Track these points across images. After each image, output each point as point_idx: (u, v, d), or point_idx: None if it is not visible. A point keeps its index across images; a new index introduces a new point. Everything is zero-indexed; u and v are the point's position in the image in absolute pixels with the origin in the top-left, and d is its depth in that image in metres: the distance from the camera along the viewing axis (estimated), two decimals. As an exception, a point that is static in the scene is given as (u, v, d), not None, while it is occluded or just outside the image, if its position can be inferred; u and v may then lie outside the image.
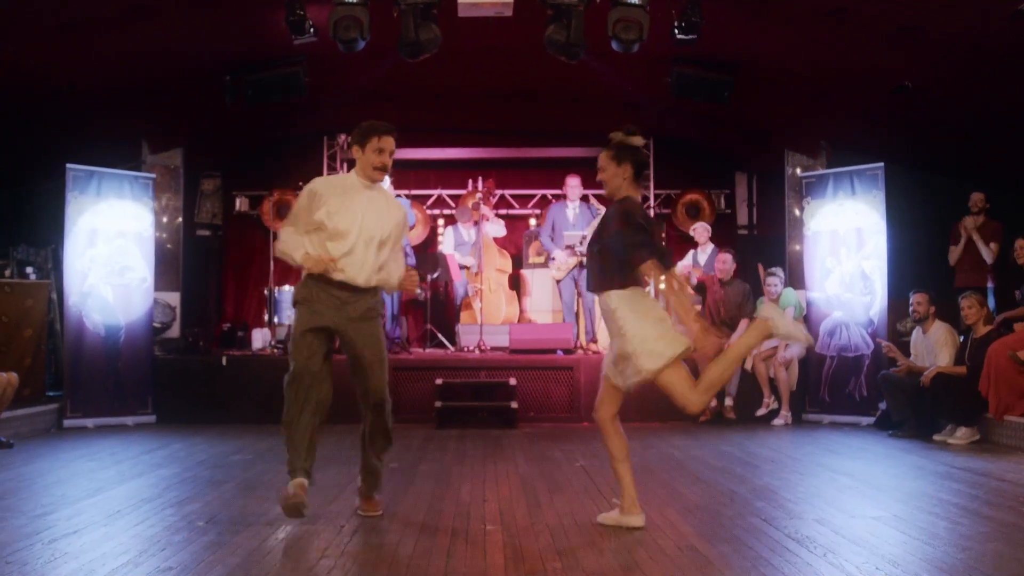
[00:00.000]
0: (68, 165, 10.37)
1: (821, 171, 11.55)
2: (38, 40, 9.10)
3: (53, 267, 11.69)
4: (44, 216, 11.72)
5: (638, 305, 5.15)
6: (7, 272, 11.13)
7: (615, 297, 5.15)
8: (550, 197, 14.53)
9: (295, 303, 5.53)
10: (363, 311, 5.47)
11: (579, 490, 6.39)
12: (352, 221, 5.40)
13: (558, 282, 12.36)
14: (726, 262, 11.04)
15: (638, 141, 5.37)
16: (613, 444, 5.39)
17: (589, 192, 12.78)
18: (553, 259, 12.28)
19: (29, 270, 11.43)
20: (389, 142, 5.67)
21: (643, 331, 5.09)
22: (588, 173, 12.49)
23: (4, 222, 12.10)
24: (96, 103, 10.79)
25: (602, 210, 12.17)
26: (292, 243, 5.46)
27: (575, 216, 12.18)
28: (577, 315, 12.38)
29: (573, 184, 12.31)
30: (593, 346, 11.70)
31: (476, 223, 12.87)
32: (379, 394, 5.54)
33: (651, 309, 5.19)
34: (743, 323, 10.80)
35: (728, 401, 10.48)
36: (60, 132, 11.40)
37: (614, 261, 5.13)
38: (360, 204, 5.49)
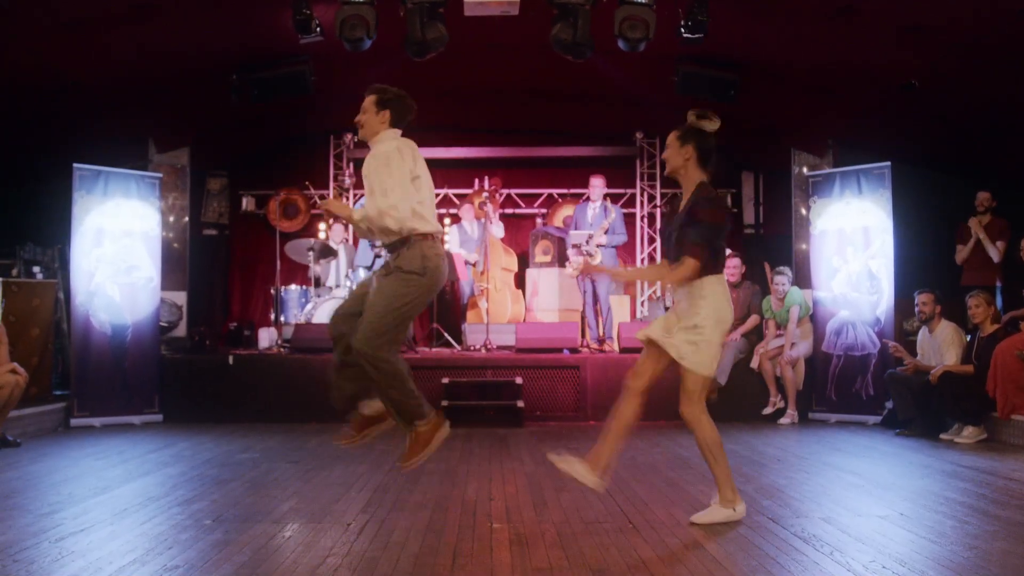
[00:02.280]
0: (75, 164, 10.38)
1: (828, 170, 11.52)
2: (45, 39, 9.12)
3: (60, 266, 11.70)
4: (51, 216, 11.73)
5: (721, 303, 5.17)
6: (14, 272, 11.15)
7: (713, 281, 5.17)
8: (556, 196, 14.53)
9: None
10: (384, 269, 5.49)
11: (585, 489, 6.35)
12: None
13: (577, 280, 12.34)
14: (735, 267, 11.04)
15: (708, 126, 5.27)
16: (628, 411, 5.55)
17: (607, 191, 12.81)
18: (568, 259, 12.30)
19: (36, 269, 11.44)
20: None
21: (713, 336, 5.13)
22: (595, 171, 12.59)
23: (11, 222, 12.11)
24: (103, 102, 10.81)
25: (612, 211, 12.17)
26: None
27: (593, 216, 12.18)
28: (583, 315, 12.38)
29: (596, 184, 12.30)
30: (603, 346, 11.68)
31: (479, 218, 12.88)
32: (355, 343, 5.30)
33: (724, 310, 5.20)
34: (752, 318, 10.83)
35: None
36: (67, 131, 11.42)
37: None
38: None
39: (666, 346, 5.22)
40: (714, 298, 5.15)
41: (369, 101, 5.66)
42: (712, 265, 5.15)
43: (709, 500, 5.41)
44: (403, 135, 5.70)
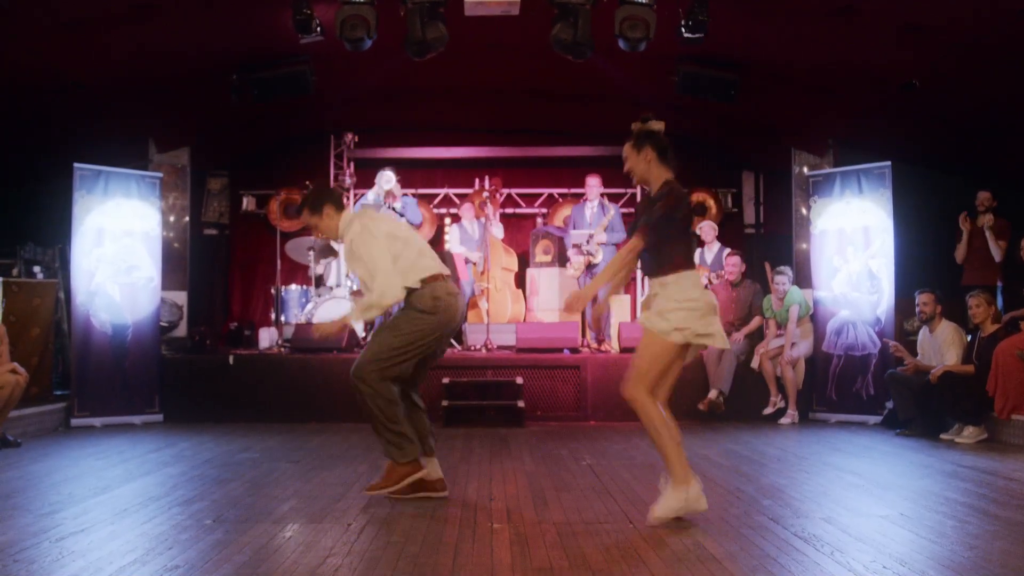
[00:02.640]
0: (75, 164, 10.38)
1: (828, 170, 11.53)
2: (45, 39, 9.12)
3: (60, 266, 11.71)
4: (51, 215, 11.74)
5: (691, 292, 5.19)
6: (14, 271, 11.15)
7: (684, 277, 5.23)
8: (556, 196, 14.53)
9: None
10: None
11: (586, 489, 6.38)
12: None
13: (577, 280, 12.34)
14: (735, 265, 11.04)
15: (656, 126, 5.42)
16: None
17: (607, 191, 12.81)
18: (569, 259, 12.31)
19: (36, 269, 11.44)
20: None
21: (681, 313, 5.12)
22: (595, 171, 12.59)
23: (11, 221, 12.12)
24: (103, 102, 10.81)
25: (611, 208, 12.17)
26: None
27: (591, 215, 12.18)
28: (584, 315, 12.37)
29: (592, 183, 12.30)
30: (602, 346, 11.68)
31: (479, 218, 12.88)
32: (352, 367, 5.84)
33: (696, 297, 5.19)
34: (755, 320, 10.84)
35: (712, 394, 10.43)
36: (67, 131, 11.43)
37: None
38: None
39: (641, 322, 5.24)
40: (684, 290, 5.16)
41: (307, 214, 5.88)
42: (683, 262, 5.22)
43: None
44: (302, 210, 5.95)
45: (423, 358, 5.89)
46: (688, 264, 5.26)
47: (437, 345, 5.88)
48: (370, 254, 5.63)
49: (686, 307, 5.10)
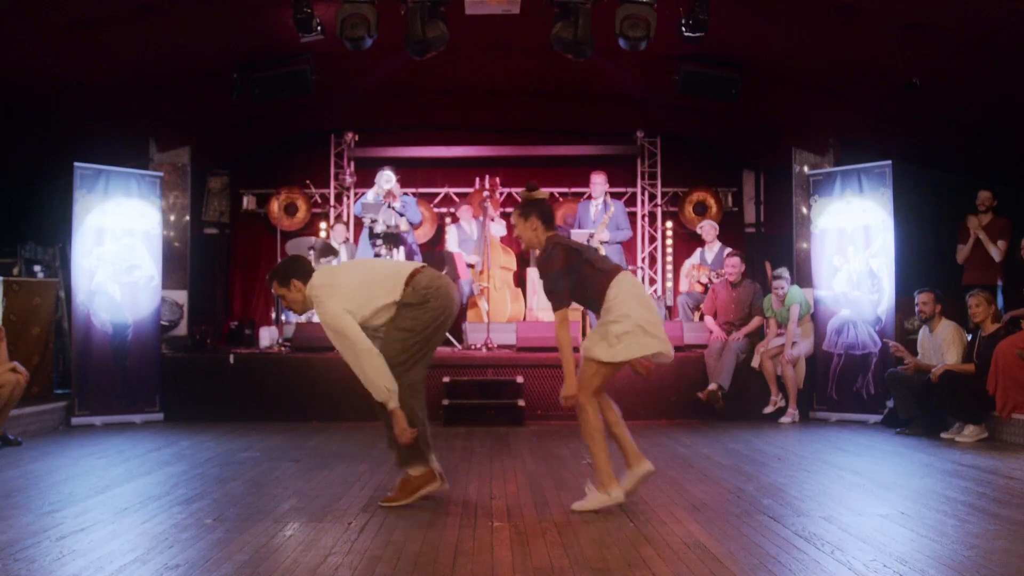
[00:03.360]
0: (76, 163, 10.38)
1: (829, 169, 11.52)
2: (46, 38, 9.12)
3: (61, 265, 11.72)
4: (52, 214, 11.75)
5: (621, 301, 5.63)
6: (15, 270, 11.16)
7: (613, 287, 5.67)
8: (557, 195, 14.52)
9: None
10: None
11: (586, 487, 6.38)
12: None
13: None
14: (735, 266, 11.04)
15: (539, 195, 5.90)
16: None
17: (612, 189, 12.83)
18: None
19: (37, 268, 11.45)
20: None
21: (618, 326, 5.60)
22: (600, 169, 12.58)
23: (12, 220, 12.13)
24: (104, 101, 10.81)
25: (612, 205, 12.17)
26: None
27: (595, 213, 12.16)
28: (584, 314, 12.37)
29: (596, 181, 12.28)
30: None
31: (478, 218, 12.87)
32: None
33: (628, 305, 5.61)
34: (755, 319, 10.84)
35: (712, 386, 10.43)
36: (68, 130, 11.43)
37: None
38: None
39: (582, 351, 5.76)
40: (619, 308, 5.58)
41: (276, 287, 5.89)
42: (604, 285, 5.64)
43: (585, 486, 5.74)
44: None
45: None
46: (607, 283, 5.63)
47: (441, 333, 5.88)
48: (346, 338, 5.63)
49: (625, 326, 5.54)
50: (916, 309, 9.61)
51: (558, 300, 5.69)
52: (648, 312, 5.60)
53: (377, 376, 5.53)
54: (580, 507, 5.58)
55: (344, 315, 5.59)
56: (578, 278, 5.69)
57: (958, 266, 10.70)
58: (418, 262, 6.12)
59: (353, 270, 6.04)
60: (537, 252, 5.87)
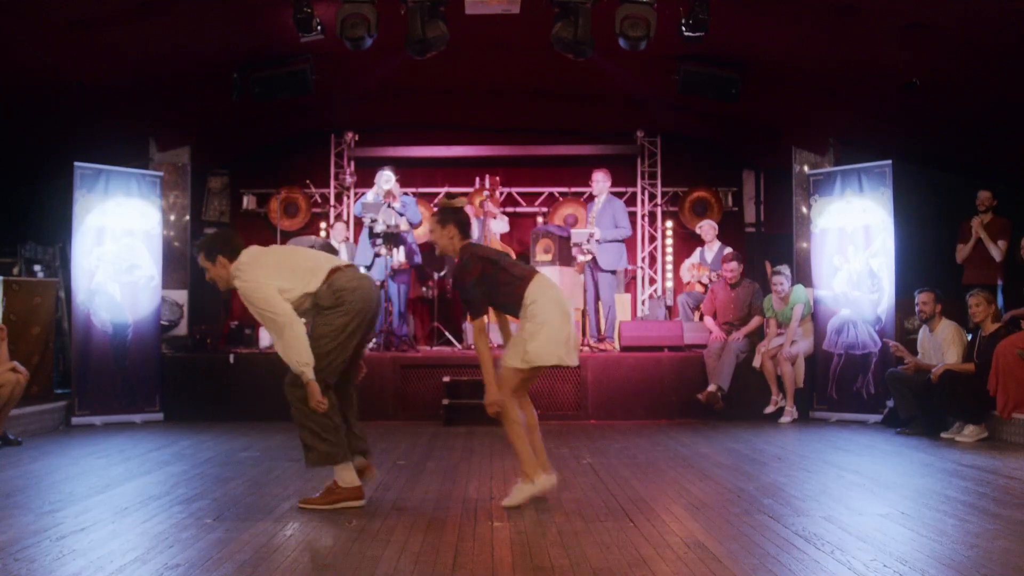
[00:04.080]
0: (76, 163, 10.38)
1: (829, 168, 11.51)
2: (47, 38, 9.13)
3: (61, 265, 11.72)
4: (52, 214, 11.74)
5: (536, 304, 5.82)
6: (15, 270, 11.17)
7: (531, 290, 5.85)
8: (557, 195, 14.52)
9: None
10: None
11: (586, 487, 6.39)
12: None
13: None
14: (733, 269, 11.03)
15: (458, 203, 6.13)
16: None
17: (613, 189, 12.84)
18: (574, 258, 12.31)
19: (37, 268, 11.46)
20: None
21: (532, 330, 5.80)
22: (602, 167, 12.56)
23: (12, 220, 12.13)
24: (104, 101, 10.81)
25: (616, 203, 12.16)
26: None
27: (597, 211, 12.15)
28: (584, 313, 12.38)
29: (597, 179, 12.26)
30: (602, 344, 11.66)
31: (479, 217, 12.87)
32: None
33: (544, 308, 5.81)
34: (755, 319, 10.84)
35: (711, 387, 10.42)
36: (68, 130, 11.43)
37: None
38: None
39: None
40: (535, 306, 5.77)
41: (201, 262, 5.88)
42: (520, 291, 5.79)
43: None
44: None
45: (352, 356, 5.85)
46: (524, 288, 5.80)
47: (359, 336, 5.80)
48: (268, 304, 5.61)
49: (543, 333, 5.73)
50: (916, 309, 9.61)
51: (474, 309, 5.91)
52: (564, 319, 5.80)
53: (298, 347, 5.50)
54: (509, 503, 5.73)
55: (268, 286, 5.59)
56: (494, 285, 5.85)
57: (958, 266, 10.69)
58: (343, 260, 6.15)
59: (280, 254, 6.08)
60: (455, 260, 6.03)
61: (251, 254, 5.78)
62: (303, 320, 5.66)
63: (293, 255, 6.06)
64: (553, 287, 5.91)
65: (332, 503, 5.65)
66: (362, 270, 11.92)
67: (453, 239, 5.96)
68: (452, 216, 5.97)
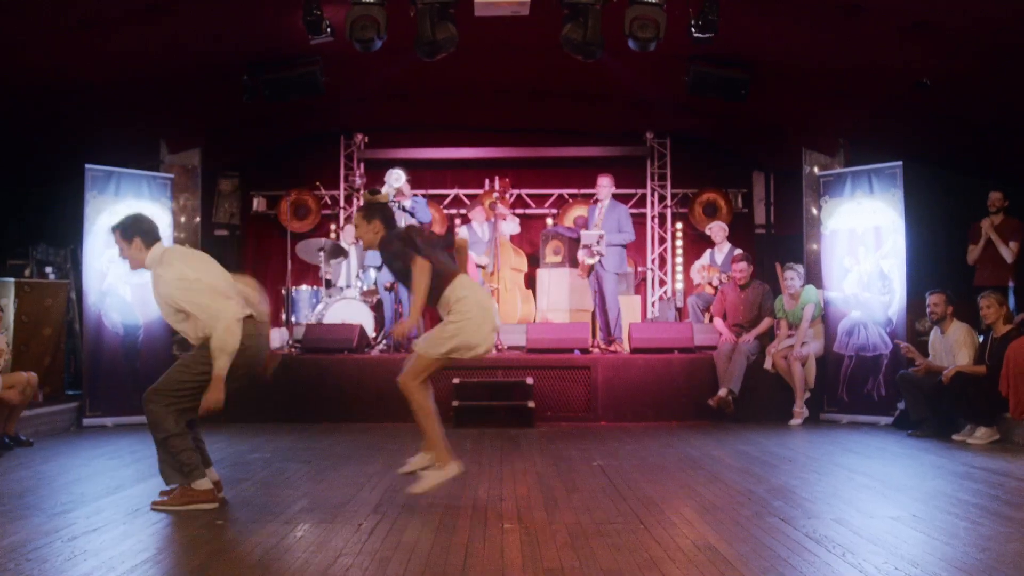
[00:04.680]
0: (87, 165, 10.40)
1: (839, 170, 11.48)
2: (57, 39, 9.15)
3: (72, 267, 11.75)
4: (63, 216, 11.78)
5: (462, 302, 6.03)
6: (27, 272, 11.20)
7: (456, 287, 6.04)
8: (567, 196, 14.54)
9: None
10: None
11: (596, 489, 6.38)
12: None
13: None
14: (742, 270, 11.00)
15: (382, 198, 6.23)
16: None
17: (619, 191, 12.82)
18: (580, 260, 12.29)
19: (48, 270, 11.49)
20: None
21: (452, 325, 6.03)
22: (607, 171, 12.54)
23: (24, 222, 12.17)
24: (115, 103, 10.84)
25: (620, 208, 12.15)
26: None
27: (600, 215, 12.15)
28: (593, 314, 12.37)
29: (602, 183, 12.25)
30: (611, 346, 11.65)
31: (489, 219, 12.88)
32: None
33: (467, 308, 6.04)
34: (765, 321, 10.81)
35: (722, 392, 10.40)
36: (79, 132, 11.46)
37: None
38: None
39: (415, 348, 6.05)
40: (461, 301, 5.98)
41: (117, 236, 5.98)
42: (447, 276, 6.00)
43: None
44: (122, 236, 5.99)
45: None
46: (449, 281, 5.99)
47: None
48: (197, 302, 5.74)
49: (470, 329, 5.99)
50: (927, 310, 9.58)
51: (408, 257, 5.84)
52: (488, 319, 6.11)
53: (230, 340, 5.69)
54: (420, 489, 5.78)
55: (198, 275, 5.80)
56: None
57: (969, 267, 10.65)
58: (248, 309, 6.12)
59: (210, 264, 6.23)
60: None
61: (184, 253, 6.13)
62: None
63: (213, 279, 6.09)
64: (481, 288, 6.20)
65: (185, 504, 5.70)
66: (372, 272, 12.01)
67: (378, 233, 6.01)
68: (378, 211, 6.04)
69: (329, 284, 12.48)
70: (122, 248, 5.93)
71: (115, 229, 5.95)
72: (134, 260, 5.94)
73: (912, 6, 8.75)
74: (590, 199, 13.67)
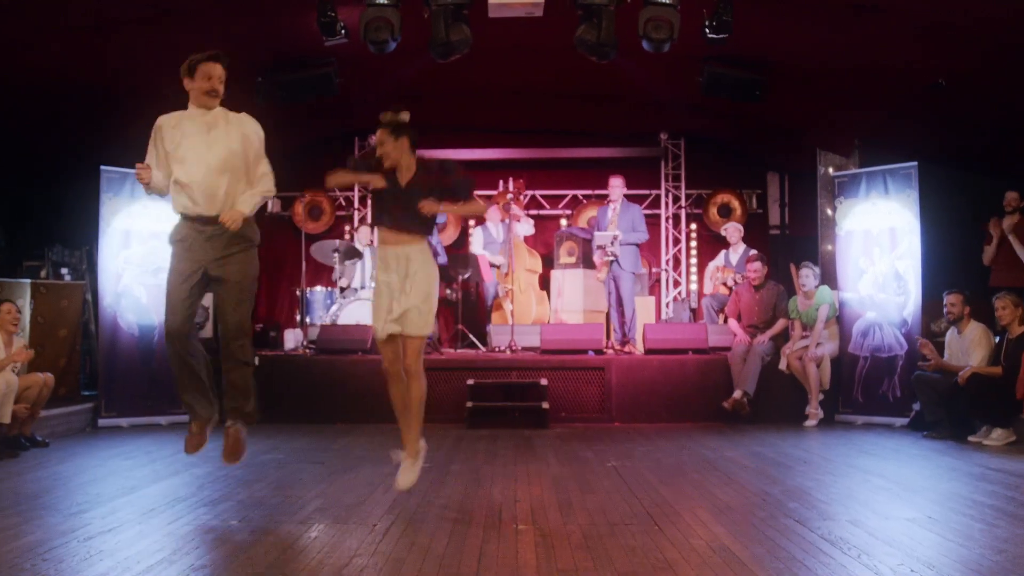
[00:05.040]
0: (102, 167, 10.43)
1: (854, 170, 11.45)
2: (72, 41, 9.18)
3: (88, 268, 11.80)
4: (79, 218, 11.81)
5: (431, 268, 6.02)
6: (43, 273, 11.25)
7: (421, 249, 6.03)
8: (581, 197, 14.53)
9: (171, 242, 5.73)
10: (227, 243, 5.69)
11: (611, 490, 6.37)
12: (191, 150, 5.67)
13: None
14: (757, 270, 10.98)
15: (405, 116, 5.90)
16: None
17: (630, 192, 12.80)
18: (595, 261, 12.28)
19: (64, 271, 11.54)
20: (216, 68, 5.81)
21: (434, 298, 5.96)
22: (618, 173, 12.53)
23: (40, 224, 12.21)
24: (129, 105, 10.86)
25: (634, 209, 12.13)
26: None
27: (613, 215, 12.14)
28: (608, 316, 12.37)
29: (615, 184, 12.23)
30: (625, 347, 11.63)
31: (504, 220, 12.88)
32: (227, 327, 5.86)
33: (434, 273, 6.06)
34: (780, 322, 10.79)
35: (737, 394, 10.37)
36: (94, 134, 11.49)
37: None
38: (199, 132, 5.74)
39: (406, 333, 5.84)
40: (428, 265, 5.99)
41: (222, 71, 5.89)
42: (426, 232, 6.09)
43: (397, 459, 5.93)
44: (227, 64, 5.98)
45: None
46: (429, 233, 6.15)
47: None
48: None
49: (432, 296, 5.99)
50: (944, 310, 9.53)
51: (468, 180, 6.09)
52: None
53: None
54: (408, 483, 5.78)
55: None
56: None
57: (985, 268, 10.60)
58: None
59: None
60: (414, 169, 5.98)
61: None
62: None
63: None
64: None
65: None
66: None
67: (405, 151, 5.89)
68: (405, 129, 5.88)
69: (342, 289, 12.49)
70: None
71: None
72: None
73: (927, 6, 8.72)
74: (604, 200, 13.66)
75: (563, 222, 14.50)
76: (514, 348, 11.51)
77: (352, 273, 12.74)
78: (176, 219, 5.65)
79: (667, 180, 14.49)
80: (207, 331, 11.89)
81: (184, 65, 5.77)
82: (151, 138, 5.78)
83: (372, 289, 12.13)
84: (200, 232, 5.56)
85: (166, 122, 5.79)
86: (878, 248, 10.72)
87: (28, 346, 8.85)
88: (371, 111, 13.39)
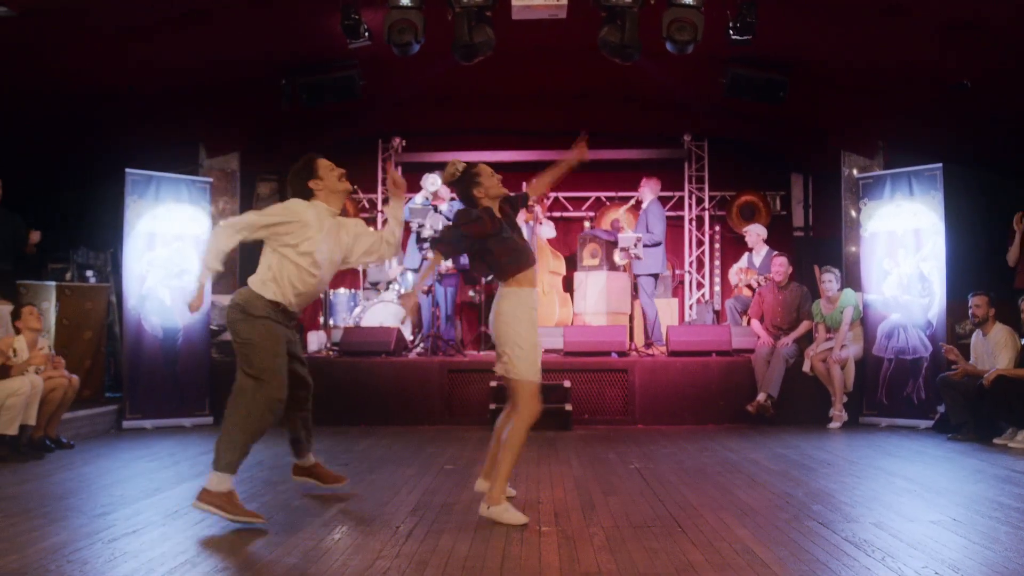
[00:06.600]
0: (127, 170, 10.49)
1: (878, 172, 11.40)
2: (97, 45, 9.24)
3: (112, 270, 11.85)
4: (103, 220, 11.88)
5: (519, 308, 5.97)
6: (67, 275, 11.31)
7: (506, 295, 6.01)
8: (604, 199, 14.51)
9: (260, 316, 5.99)
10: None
11: (634, 492, 6.36)
12: (324, 254, 6.03)
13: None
14: (782, 265, 10.94)
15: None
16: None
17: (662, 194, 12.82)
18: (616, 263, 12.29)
19: (89, 273, 11.59)
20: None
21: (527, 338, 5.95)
22: (639, 175, 12.51)
23: (65, 226, 12.28)
24: (154, 108, 10.94)
25: (652, 210, 12.11)
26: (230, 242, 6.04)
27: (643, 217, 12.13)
28: (631, 318, 12.35)
29: (642, 185, 12.23)
30: (649, 349, 11.60)
31: (527, 222, 12.87)
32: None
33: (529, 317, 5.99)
34: (803, 324, 10.74)
35: (761, 397, 10.33)
36: (119, 137, 11.56)
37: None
38: (331, 234, 6.13)
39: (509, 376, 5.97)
40: (507, 315, 5.95)
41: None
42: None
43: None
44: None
45: None
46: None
47: None
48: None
49: (525, 336, 6.12)
50: (969, 312, 9.48)
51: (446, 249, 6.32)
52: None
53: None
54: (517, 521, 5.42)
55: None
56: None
57: (1011, 270, 10.53)
58: None
59: None
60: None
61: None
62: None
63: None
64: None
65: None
66: (410, 275, 12.03)
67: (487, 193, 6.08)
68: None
69: (373, 284, 12.51)
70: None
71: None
72: None
73: (953, 6, 8.67)
74: (627, 202, 13.65)
75: (586, 224, 14.48)
76: (537, 349, 11.47)
77: (376, 274, 12.77)
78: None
79: (691, 182, 14.46)
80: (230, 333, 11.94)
81: (303, 168, 6.34)
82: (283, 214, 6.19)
83: (395, 290, 12.21)
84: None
85: (311, 215, 6.23)
86: (903, 249, 10.65)
87: (51, 346, 8.90)
88: (394, 114, 13.51)
